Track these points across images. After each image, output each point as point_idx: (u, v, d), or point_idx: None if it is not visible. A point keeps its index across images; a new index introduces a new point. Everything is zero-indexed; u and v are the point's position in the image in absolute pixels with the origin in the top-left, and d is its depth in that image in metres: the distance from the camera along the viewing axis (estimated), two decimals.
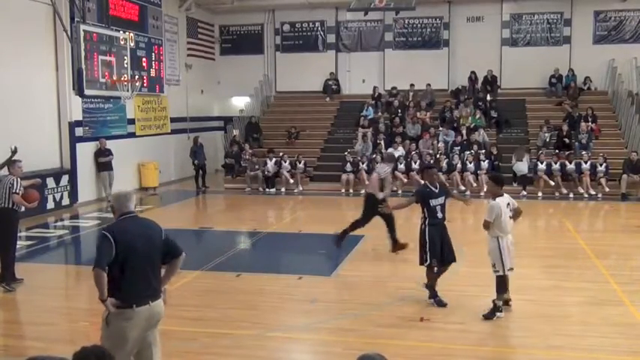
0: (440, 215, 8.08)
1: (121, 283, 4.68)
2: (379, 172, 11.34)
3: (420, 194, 8.26)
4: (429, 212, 8.04)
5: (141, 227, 4.94)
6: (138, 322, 4.71)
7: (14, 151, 11.41)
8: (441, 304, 7.95)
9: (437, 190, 8.15)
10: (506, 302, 7.71)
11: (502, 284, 7.54)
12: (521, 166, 18.09)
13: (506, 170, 18.49)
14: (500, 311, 7.50)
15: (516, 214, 7.67)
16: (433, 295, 8.04)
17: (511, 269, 7.54)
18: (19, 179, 9.00)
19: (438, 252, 7.96)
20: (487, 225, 7.46)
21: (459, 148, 19.29)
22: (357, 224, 11.14)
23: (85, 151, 16.88)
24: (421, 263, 8.08)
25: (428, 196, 8.09)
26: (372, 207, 10.62)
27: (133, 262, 4.70)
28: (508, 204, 7.53)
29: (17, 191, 8.83)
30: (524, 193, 17.51)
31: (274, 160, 19.43)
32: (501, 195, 7.57)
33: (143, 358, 4.89)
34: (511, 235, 7.57)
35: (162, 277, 5.05)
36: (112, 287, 4.66)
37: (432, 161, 18.38)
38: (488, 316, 7.45)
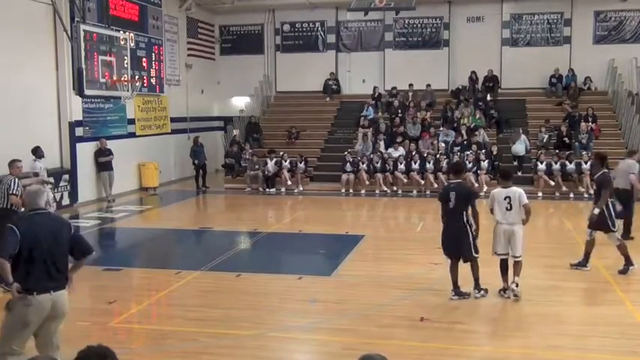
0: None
1: (23, 272, 5.07)
2: (632, 167, 11.66)
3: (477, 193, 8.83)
4: (472, 208, 8.28)
5: (48, 223, 5.26)
6: (38, 310, 5.07)
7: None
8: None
9: None
10: (503, 290, 8.33)
11: (500, 266, 8.38)
12: (519, 147, 19.04)
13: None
14: (504, 292, 8.29)
15: (524, 212, 8.14)
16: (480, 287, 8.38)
17: (499, 254, 8.32)
18: (17, 180, 8.95)
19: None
20: (490, 210, 8.33)
21: (458, 148, 19.29)
22: (628, 224, 11.49)
23: (85, 151, 16.87)
24: (471, 258, 8.31)
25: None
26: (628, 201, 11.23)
27: (36, 254, 5.06)
28: (507, 197, 8.08)
29: (15, 192, 8.78)
30: None
31: (275, 160, 19.44)
32: (506, 187, 8.24)
33: (41, 346, 5.24)
34: (510, 227, 8.15)
35: (70, 268, 5.39)
36: (16, 275, 5.02)
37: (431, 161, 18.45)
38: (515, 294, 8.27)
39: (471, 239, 8.18)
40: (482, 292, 8.32)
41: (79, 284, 9.90)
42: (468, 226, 8.17)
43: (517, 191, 8.13)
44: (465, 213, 8.16)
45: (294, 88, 24.38)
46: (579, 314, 7.77)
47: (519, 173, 18.07)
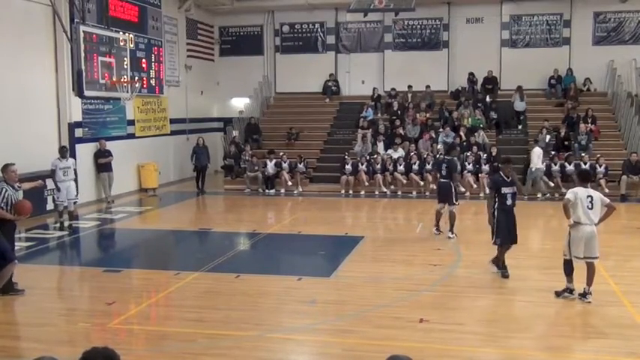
0: (509, 202, 9.31)
1: None
2: None
3: (494, 182, 9.64)
4: (500, 198, 9.29)
5: None
6: None
7: None
8: (505, 275, 9.25)
9: (509, 181, 9.39)
10: (570, 291, 8.23)
11: (566, 267, 8.29)
12: (520, 104, 21.39)
13: None
14: (571, 293, 8.20)
15: (607, 210, 8.21)
16: (500, 266, 9.37)
17: (579, 258, 8.10)
18: (4, 190, 8.56)
19: (504, 233, 9.25)
20: (565, 205, 8.17)
21: (458, 149, 19.27)
22: None
23: (85, 152, 16.87)
24: (494, 243, 9.39)
25: (501, 184, 9.37)
26: None
27: None
28: (589, 196, 8.07)
29: (0, 205, 8.45)
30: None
31: (274, 161, 19.43)
32: (584, 187, 8.29)
33: None
34: (592, 227, 8.00)
35: None
36: None
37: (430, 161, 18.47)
38: (558, 294, 8.28)
39: (493, 226, 9.33)
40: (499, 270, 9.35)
41: (79, 285, 9.94)
42: (493, 213, 9.31)
43: (597, 192, 8.22)
44: (494, 201, 9.33)
45: (294, 89, 24.40)
46: (579, 315, 7.78)
47: (520, 127, 21.15)
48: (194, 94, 23.38)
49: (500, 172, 9.59)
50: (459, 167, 18.57)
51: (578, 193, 8.07)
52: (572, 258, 8.14)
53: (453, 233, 12.18)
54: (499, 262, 9.40)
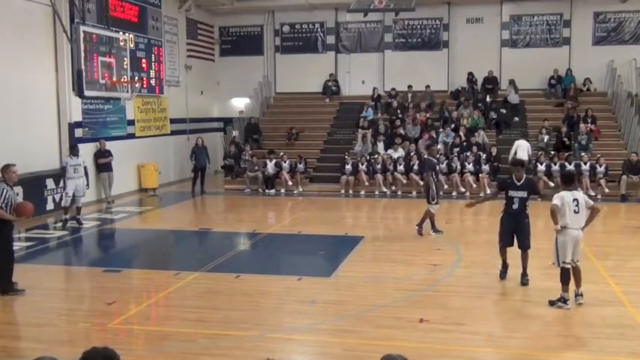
0: (515, 206, 8.95)
1: None
2: None
3: (501, 183, 9.62)
4: (506, 201, 9.07)
5: None
6: None
7: None
8: (502, 276, 9.16)
9: (519, 184, 9.02)
10: (564, 300, 7.92)
11: (563, 276, 7.94)
12: (514, 97, 21.45)
13: (506, 171, 18.59)
14: (565, 303, 7.85)
15: (592, 213, 8.01)
16: (501, 267, 9.24)
17: (569, 263, 7.89)
18: (5, 190, 8.53)
19: (506, 237, 9.04)
20: (553, 211, 7.82)
21: (458, 149, 19.30)
22: None
23: (85, 152, 16.78)
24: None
25: (508, 186, 9.14)
26: None
27: None
28: (575, 200, 7.85)
29: (0, 205, 8.43)
30: None
31: (274, 161, 19.44)
32: (570, 190, 7.99)
33: None
34: (578, 231, 7.85)
35: None
36: None
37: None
38: (552, 303, 7.93)
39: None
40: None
41: (79, 285, 9.94)
42: (500, 217, 9.16)
43: (582, 195, 8.13)
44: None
45: (294, 89, 24.41)
46: (579, 315, 7.77)
47: (517, 118, 21.18)
48: (194, 94, 23.38)
49: (513, 175, 9.21)
50: (451, 166, 18.63)
51: (564, 197, 7.84)
52: (561, 265, 7.92)
53: (423, 230, 12.42)
54: (502, 264, 9.22)
